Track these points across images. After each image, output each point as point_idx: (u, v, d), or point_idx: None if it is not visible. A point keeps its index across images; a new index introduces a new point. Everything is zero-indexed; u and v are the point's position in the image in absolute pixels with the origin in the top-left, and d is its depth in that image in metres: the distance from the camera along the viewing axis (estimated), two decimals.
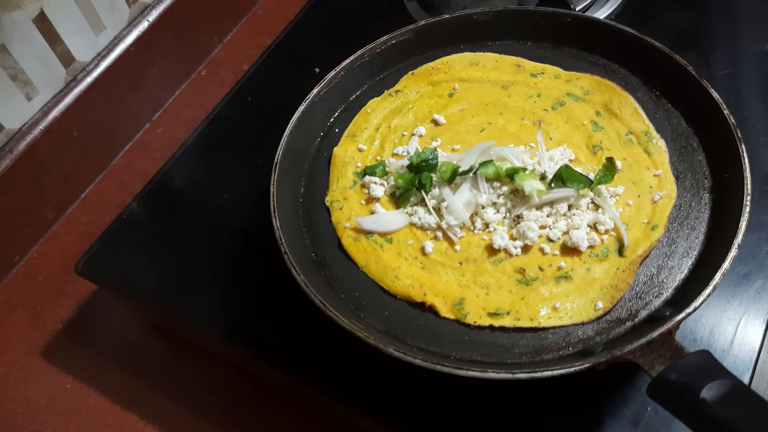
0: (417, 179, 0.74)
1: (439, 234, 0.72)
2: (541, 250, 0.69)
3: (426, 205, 0.73)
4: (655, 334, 0.57)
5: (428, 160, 0.73)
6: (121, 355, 0.82)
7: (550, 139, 0.77)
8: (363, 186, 0.77)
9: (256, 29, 1.13)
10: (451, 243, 0.71)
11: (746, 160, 0.67)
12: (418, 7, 1.01)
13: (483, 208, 0.72)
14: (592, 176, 0.71)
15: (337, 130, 0.83)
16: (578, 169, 0.71)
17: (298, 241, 0.73)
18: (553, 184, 0.71)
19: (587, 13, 0.94)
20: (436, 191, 0.73)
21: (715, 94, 0.72)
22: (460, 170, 0.72)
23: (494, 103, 0.82)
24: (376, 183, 0.76)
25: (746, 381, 0.64)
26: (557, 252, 0.69)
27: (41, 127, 0.88)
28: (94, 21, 0.93)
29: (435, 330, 0.66)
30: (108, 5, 0.94)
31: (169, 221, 0.84)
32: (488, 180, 0.72)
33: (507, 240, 0.70)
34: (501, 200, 0.72)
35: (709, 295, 0.59)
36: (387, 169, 0.77)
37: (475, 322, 0.66)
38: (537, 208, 0.70)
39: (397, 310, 0.68)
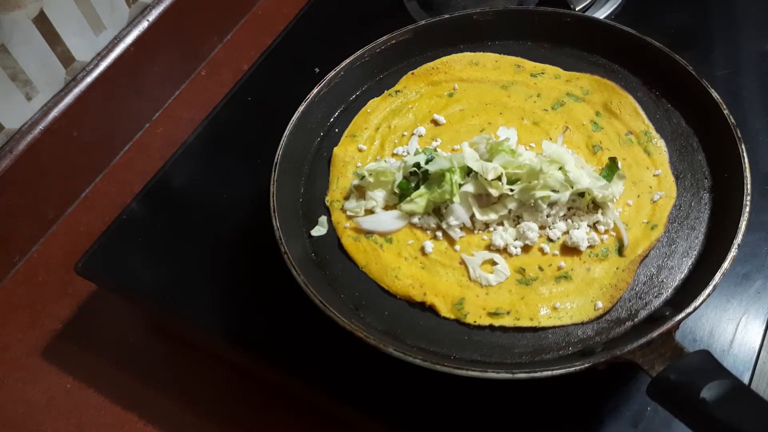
0: (417, 180, 0.74)
1: (439, 234, 0.72)
2: (541, 250, 0.69)
3: None
4: (655, 334, 0.57)
5: (428, 160, 0.73)
6: (121, 355, 0.82)
7: (550, 138, 0.77)
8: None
9: (256, 29, 1.13)
10: (451, 243, 0.71)
11: (746, 160, 0.67)
12: (418, 7, 1.01)
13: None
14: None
15: (337, 130, 0.83)
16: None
17: (298, 241, 0.73)
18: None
19: (587, 13, 0.94)
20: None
21: (715, 94, 0.72)
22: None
23: (494, 103, 0.82)
24: None
25: (746, 381, 0.64)
26: (557, 252, 0.69)
27: (41, 127, 0.88)
28: (94, 21, 0.93)
29: (435, 330, 0.66)
30: (108, 5, 0.94)
31: (168, 221, 0.84)
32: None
33: (507, 240, 0.70)
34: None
35: (709, 295, 0.59)
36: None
37: (475, 321, 0.66)
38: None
39: (397, 310, 0.68)
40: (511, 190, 0.69)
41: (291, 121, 0.78)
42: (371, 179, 0.74)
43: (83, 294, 0.87)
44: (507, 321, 0.65)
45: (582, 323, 0.65)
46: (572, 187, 0.69)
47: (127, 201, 0.86)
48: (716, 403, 0.49)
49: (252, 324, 0.74)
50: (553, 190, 0.69)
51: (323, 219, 0.75)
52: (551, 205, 0.70)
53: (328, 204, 0.76)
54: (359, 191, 0.76)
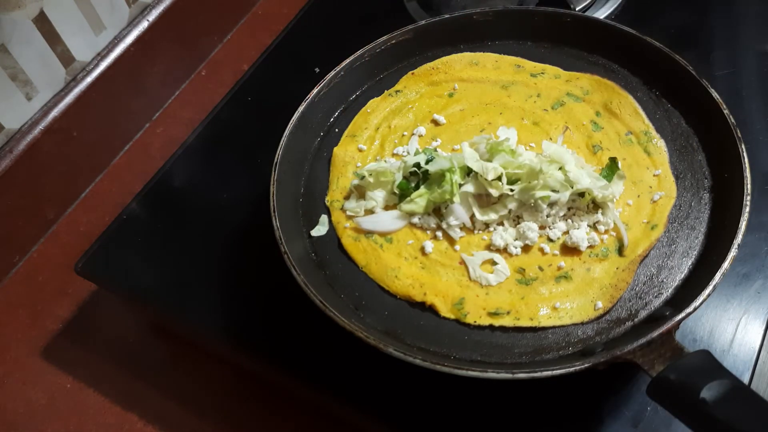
0: (417, 180, 0.74)
1: (439, 234, 0.72)
2: (541, 250, 0.69)
3: None
4: (655, 334, 0.57)
5: (428, 160, 0.73)
6: (121, 355, 0.82)
7: (550, 138, 0.77)
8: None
9: (256, 29, 1.13)
10: (451, 243, 0.71)
11: (746, 160, 0.67)
12: (418, 7, 1.01)
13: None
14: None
15: (337, 130, 0.83)
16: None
17: (298, 241, 0.73)
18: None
19: (587, 13, 0.94)
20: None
21: (715, 94, 0.72)
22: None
23: (494, 103, 0.82)
24: None
25: (746, 381, 0.64)
26: (557, 252, 0.69)
27: (41, 127, 0.88)
28: (94, 21, 0.93)
29: (435, 330, 0.66)
30: (108, 5, 0.94)
31: (169, 221, 0.84)
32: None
33: (507, 240, 0.70)
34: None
35: (709, 295, 0.59)
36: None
37: (475, 321, 0.66)
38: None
39: (397, 309, 0.68)
40: (511, 190, 0.69)
41: (291, 121, 0.78)
42: (371, 179, 0.74)
43: (83, 294, 0.87)
44: (507, 321, 0.65)
45: (582, 323, 0.65)
46: (572, 187, 0.69)
47: (127, 201, 0.86)
48: (716, 403, 0.50)
49: (252, 324, 0.74)
50: (553, 190, 0.69)
51: (323, 219, 0.75)
52: (551, 205, 0.70)
53: (328, 204, 0.76)
54: (359, 191, 0.76)
